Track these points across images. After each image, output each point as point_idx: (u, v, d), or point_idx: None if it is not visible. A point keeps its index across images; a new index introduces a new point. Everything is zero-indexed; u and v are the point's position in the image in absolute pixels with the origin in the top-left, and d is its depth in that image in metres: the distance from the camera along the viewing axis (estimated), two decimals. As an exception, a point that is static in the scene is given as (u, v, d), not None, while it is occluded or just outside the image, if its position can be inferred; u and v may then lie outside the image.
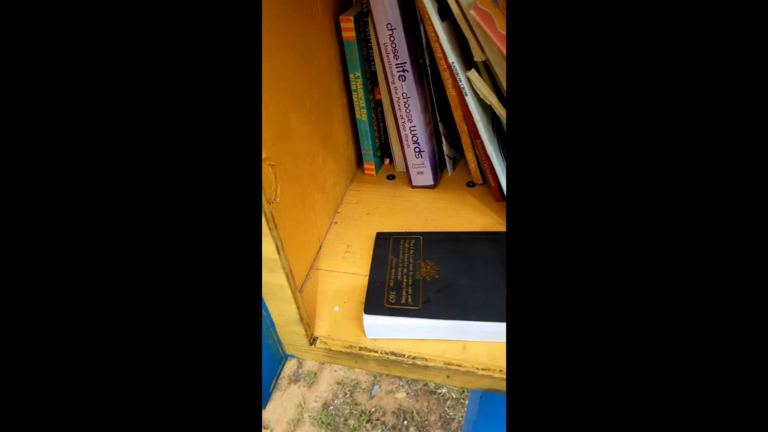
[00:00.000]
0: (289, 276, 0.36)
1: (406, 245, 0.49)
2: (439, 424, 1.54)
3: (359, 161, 0.67)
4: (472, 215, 0.55)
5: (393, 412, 1.58)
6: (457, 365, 0.39)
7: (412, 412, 1.57)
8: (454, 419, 1.55)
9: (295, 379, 1.70)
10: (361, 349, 0.42)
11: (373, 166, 0.64)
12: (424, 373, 0.41)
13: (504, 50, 0.36)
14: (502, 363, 0.39)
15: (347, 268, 0.50)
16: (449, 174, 0.62)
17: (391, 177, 0.64)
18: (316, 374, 1.70)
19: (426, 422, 1.55)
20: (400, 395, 1.63)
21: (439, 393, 1.62)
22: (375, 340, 0.42)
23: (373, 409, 1.59)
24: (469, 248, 0.47)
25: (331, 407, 1.60)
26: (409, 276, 0.45)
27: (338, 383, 1.68)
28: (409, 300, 0.42)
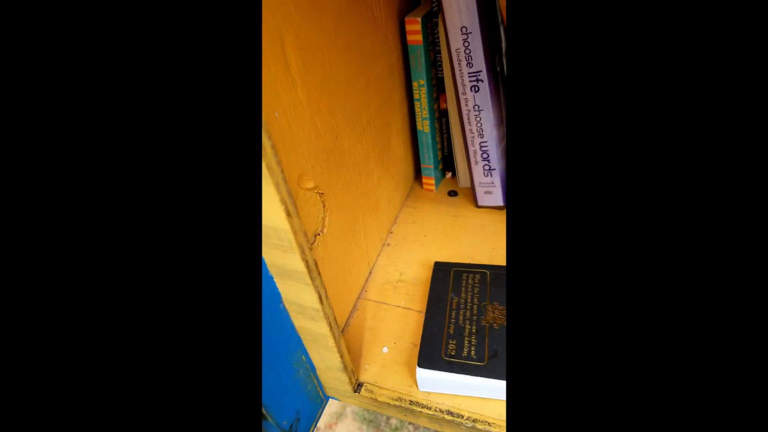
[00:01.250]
0: (333, 325, 0.31)
1: (470, 281, 0.43)
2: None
3: (417, 173, 0.61)
4: (547, 247, 0.47)
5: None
6: (527, 441, 0.33)
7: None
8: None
9: (338, 377, 1.69)
10: (411, 403, 0.37)
11: (432, 181, 0.58)
12: (485, 441, 0.35)
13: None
14: (584, 447, 0.32)
15: (399, 301, 0.45)
16: (519, 194, 0.55)
17: (452, 193, 0.58)
18: (358, 375, 1.68)
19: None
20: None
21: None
22: (429, 393, 0.37)
23: (415, 417, 1.54)
24: (544, 292, 0.40)
25: (372, 410, 1.58)
26: (473, 321, 0.39)
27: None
28: (472, 353, 0.36)
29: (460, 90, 0.45)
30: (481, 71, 0.43)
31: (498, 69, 0.45)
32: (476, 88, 0.44)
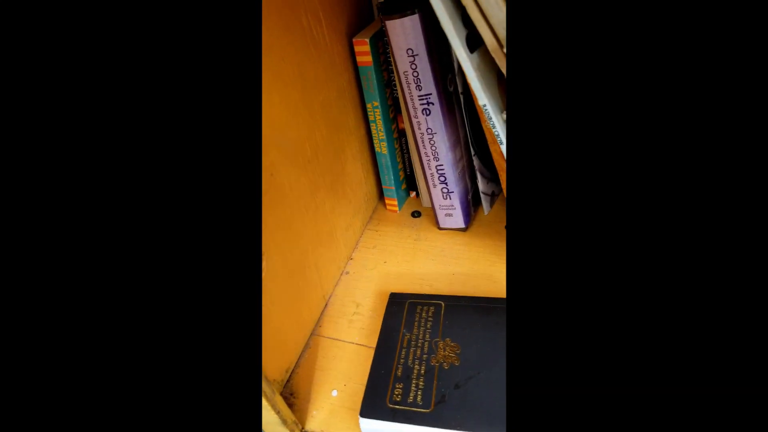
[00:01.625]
0: (265, 383, 0.29)
1: (424, 314, 0.41)
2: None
3: (381, 193, 0.59)
4: (508, 273, 0.45)
5: None
6: (474, 495, 0.31)
7: None
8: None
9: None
10: (358, 452, 0.35)
11: (395, 202, 0.56)
12: (433, 494, 0.33)
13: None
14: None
15: (353, 337, 0.43)
16: (485, 212, 0.53)
17: (416, 214, 0.56)
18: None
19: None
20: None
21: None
22: (376, 442, 0.35)
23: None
24: (501, 323, 0.38)
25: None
26: (423, 360, 0.37)
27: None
28: (418, 399, 0.34)
29: (412, 113, 0.43)
30: (431, 94, 0.41)
31: (451, 89, 0.43)
32: (427, 111, 0.42)
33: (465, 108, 0.45)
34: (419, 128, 0.44)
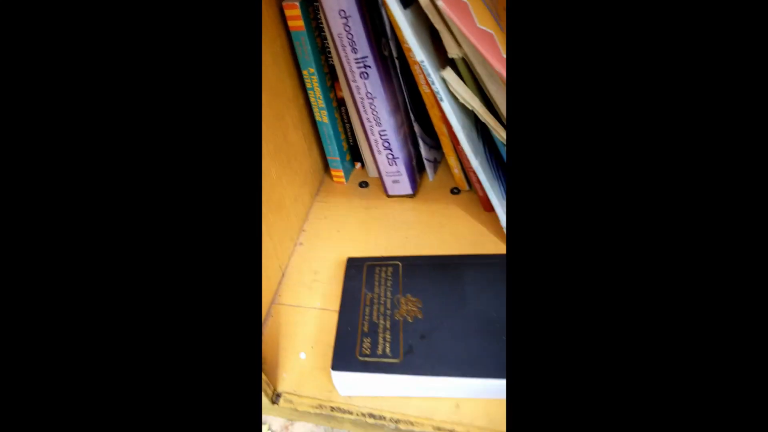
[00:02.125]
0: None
1: (383, 274, 0.42)
2: None
3: (327, 166, 0.59)
4: (459, 228, 0.48)
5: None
6: (450, 429, 0.33)
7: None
8: None
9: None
10: (333, 409, 0.35)
11: (341, 173, 0.56)
12: (409, 436, 0.34)
13: (482, 49, 0.28)
14: (502, 425, 0.32)
15: (315, 302, 0.43)
16: (430, 179, 0.54)
17: (363, 184, 0.56)
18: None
19: None
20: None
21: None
22: (350, 397, 0.36)
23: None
24: (458, 276, 0.40)
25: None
26: (387, 316, 0.38)
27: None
28: (387, 350, 0.35)
29: (350, 77, 0.43)
30: (367, 57, 0.41)
31: (386, 53, 0.44)
32: (365, 75, 0.43)
33: (401, 73, 0.46)
34: (359, 92, 0.44)
